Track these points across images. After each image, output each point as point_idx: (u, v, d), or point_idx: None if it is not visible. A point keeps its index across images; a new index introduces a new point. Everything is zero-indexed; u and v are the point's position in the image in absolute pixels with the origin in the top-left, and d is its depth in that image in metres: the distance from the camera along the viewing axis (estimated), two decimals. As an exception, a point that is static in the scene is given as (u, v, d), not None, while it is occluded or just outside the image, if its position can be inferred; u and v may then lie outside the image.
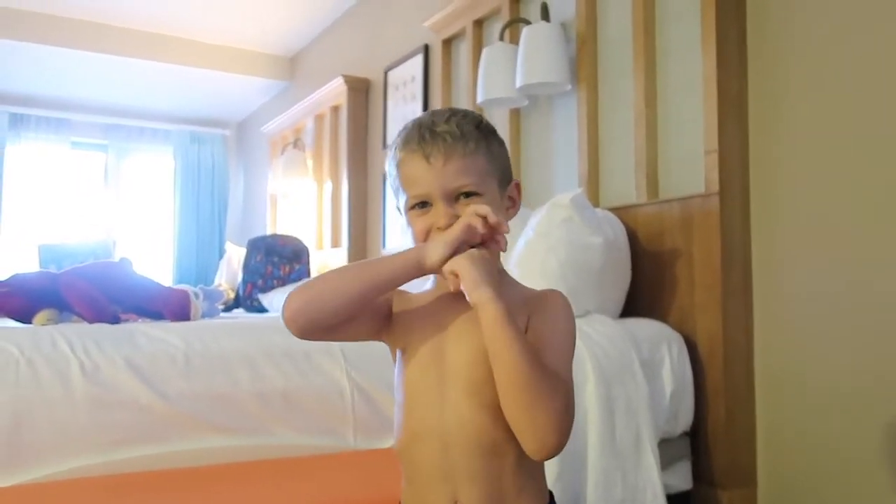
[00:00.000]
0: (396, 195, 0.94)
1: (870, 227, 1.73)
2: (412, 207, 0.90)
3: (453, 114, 0.90)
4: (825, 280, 1.82)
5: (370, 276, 0.85)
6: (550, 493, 0.91)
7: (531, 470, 0.88)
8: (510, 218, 0.93)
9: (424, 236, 0.89)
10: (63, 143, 5.91)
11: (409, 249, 0.86)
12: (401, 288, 0.90)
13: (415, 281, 0.88)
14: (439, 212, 0.87)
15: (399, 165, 0.90)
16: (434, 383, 0.86)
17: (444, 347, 0.87)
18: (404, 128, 0.93)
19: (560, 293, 0.92)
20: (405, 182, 0.90)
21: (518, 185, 0.96)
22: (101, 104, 6.00)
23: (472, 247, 0.85)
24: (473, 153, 0.87)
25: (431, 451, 0.86)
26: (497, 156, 0.92)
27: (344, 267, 0.88)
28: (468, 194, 0.87)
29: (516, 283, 0.95)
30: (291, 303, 0.85)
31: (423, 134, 0.88)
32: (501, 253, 0.90)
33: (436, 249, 0.84)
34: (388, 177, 0.95)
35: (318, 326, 0.86)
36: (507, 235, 0.88)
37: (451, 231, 0.84)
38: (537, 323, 0.87)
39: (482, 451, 0.84)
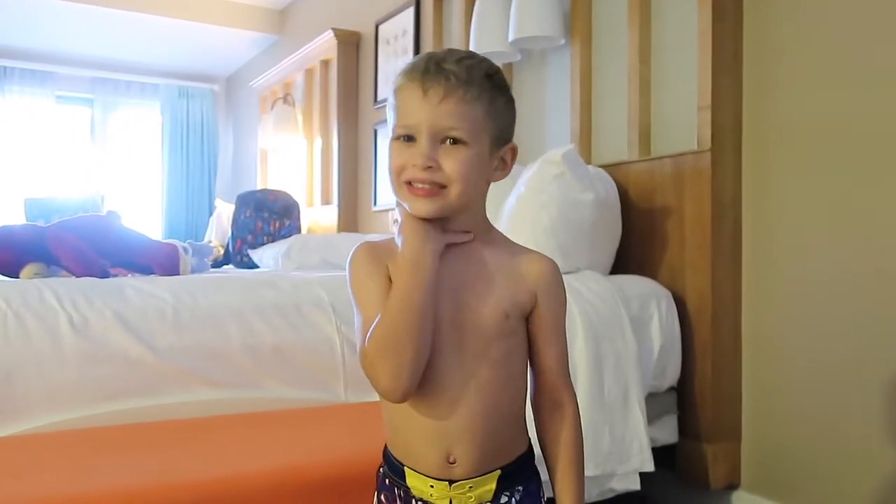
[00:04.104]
0: (389, 122, 0.92)
1: (862, 188, 1.73)
2: (397, 138, 0.87)
3: (469, 57, 0.87)
4: (814, 240, 1.82)
5: (412, 309, 0.83)
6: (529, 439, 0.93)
7: (518, 420, 0.90)
8: (497, 180, 0.92)
9: (399, 172, 0.86)
10: (48, 96, 5.80)
11: (406, 261, 0.85)
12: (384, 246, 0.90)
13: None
14: (420, 149, 0.84)
15: (396, 91, 0.87)
16: (442, 342, 0.85)
17: (452, 306, 0.86)
18: (415, 57, 0.90)
19: (558, 268, 0.93)
20: (397, 110, 0.87)
21: (514, 150, 0.92)
22: (87, 57, 5.88)
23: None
24: (473, 101, 0.84)
25: (433, 407, 0.85)
26: (499, 113, 0.88)
27: (386, 328, 0.83)
28: (455, 141, 0.84)
29: (506, 241, 0.94)
30: (388, 390, 0.85)
31: (429, 66, 0.84)
32: (486, 206, 0.91)
33: (433, 247, 0.85)
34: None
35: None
36: (499, 192, 0.88)
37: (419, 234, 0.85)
38: (549, 311, 0.90)
39: (485, 410, 0.85)
